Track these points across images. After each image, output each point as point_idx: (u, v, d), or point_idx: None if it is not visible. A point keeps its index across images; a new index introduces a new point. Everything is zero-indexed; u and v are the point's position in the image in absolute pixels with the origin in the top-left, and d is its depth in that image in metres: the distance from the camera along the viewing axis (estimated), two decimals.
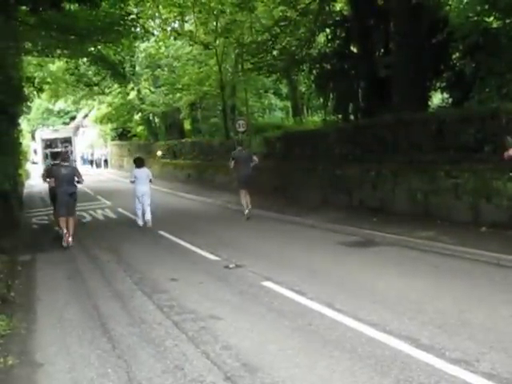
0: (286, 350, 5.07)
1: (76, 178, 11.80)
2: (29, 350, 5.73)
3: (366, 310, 5.97)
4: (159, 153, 23.82)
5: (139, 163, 14.08)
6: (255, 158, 14.39)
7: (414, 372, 4.38)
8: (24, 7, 12.63)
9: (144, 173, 13.92)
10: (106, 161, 47.94)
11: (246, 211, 13.93)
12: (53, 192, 12.43)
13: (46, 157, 37.78)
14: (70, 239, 11.64)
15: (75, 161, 31.35)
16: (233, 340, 5.44)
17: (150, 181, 14.04)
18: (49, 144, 41.55)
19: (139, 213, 13.88)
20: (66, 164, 12.01)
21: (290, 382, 4.43)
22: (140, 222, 13.86)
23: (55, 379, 4.94)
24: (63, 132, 41.92)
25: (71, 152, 34.50)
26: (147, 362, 5.09)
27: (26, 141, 41.60)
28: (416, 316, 5.73)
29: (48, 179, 12.12)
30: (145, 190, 13.69)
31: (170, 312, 6.54)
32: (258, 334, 5.58)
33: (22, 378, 5.05)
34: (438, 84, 15.76)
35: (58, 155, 14.27)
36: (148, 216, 13.67)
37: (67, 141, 40.85)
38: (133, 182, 13.95)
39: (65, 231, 11.63)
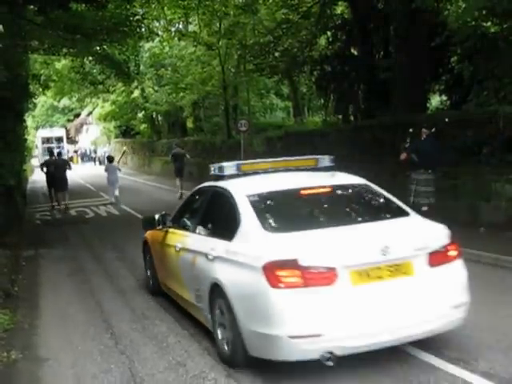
0: None
1: (67, 166, 17.57)
2: (32, 344, 5.77)
3: None
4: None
5: (111, 160, 19.84)
6: (187, 155, 19.95)
7: None
8: (32, 7, 12.83)
9: (113, 167, 19.23)
10: None
11: (179, 192, 18.21)
12: (49, 178, 17.61)
13: (43, 151, 45.09)
14: (66, 207, 17.28)
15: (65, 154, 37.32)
16: None
17: (119, 170, 19.90)
18: (46, 141, 49.62)
19: (110, 192, 18.98)
20: (60, 157, 18.53)
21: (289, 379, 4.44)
22: (112, 199, 18.69)
23: (58, 374, 4.97)
24: (57, 132, 52.23)
25: (62, 147, 43.92)
26: (150, 357, 5.11)
27: (30, 137, 42.43)
28: None
29: (46, 168, 17.50)
30: (114, 177, 18.81)
31: (172, 309, 6.54)
32: None
33: (26, 372, 5.07)
34: (436, 86, 15.89)
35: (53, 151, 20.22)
36: (117, 193, 18.69)
37: (60, 139, 50.41)
38: (106, 171, 19.19)
39: (59, 207, 17.35)
